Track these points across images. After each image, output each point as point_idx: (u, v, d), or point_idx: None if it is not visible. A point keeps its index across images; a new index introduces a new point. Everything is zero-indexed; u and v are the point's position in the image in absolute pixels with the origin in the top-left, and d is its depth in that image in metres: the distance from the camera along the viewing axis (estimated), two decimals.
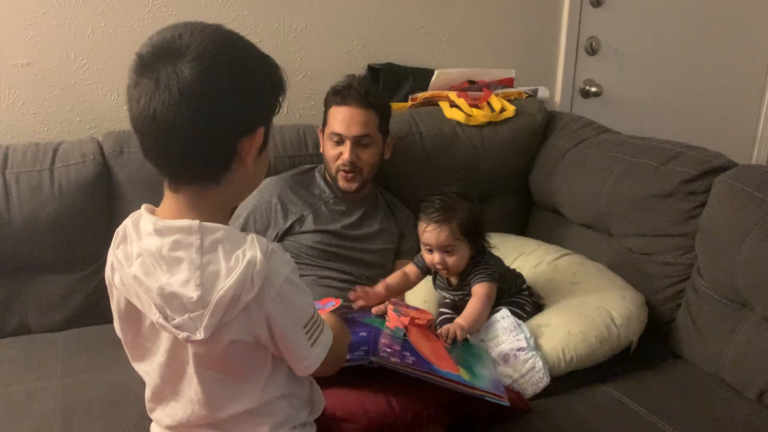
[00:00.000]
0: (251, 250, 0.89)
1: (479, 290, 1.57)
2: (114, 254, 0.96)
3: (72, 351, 1.65)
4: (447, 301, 1.69)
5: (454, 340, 1.44)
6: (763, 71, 2.94)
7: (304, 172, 1.91)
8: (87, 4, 1.94)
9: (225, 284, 0.88)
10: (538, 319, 1.62)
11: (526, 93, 2.30)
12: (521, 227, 2.24)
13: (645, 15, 2.66)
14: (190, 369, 0.97)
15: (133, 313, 0.97)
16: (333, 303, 1.45)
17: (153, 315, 0.91)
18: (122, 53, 1.96)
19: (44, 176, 1.74)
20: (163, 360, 0.98)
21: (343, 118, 1.76)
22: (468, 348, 1.47)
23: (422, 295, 1.78)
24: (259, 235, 0.92)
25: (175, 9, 2.00)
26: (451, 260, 1.57)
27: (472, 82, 2.29)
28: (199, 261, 0.89)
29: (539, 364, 1.46)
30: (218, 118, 0.88)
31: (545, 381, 1.46)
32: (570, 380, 1.51)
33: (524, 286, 1.71)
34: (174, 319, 0.90)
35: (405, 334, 1.38)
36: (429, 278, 1.73)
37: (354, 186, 1.81)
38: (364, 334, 1.35)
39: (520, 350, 1.47)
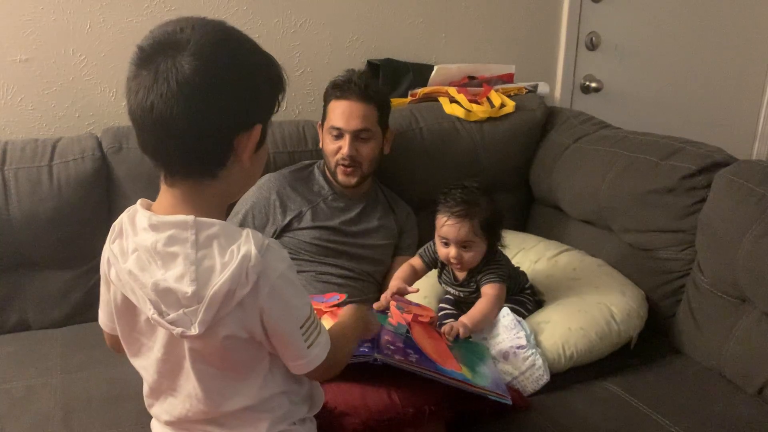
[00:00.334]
0: (246, 245, 0.89)
1: (489, 291, 1.56)
2: (110, 249, 0.96)
3: (71, 347, 1.65)
4: (449, 296, 1.69)
5: (457, 337, 1.44)
6: (764, 67, 2.93)
7: (303, 168, 1.90)
8: (85, 0, 1.93)
9: (220, 279, 0.88)
10: (538, 316, 1.62)
11: (526, 88, 2.30)
12: (521, 223, 2.24)
13: (645, 10, 2.65)
14: (187, 364, 0.96)
15: (128, 308, 0.97)
16: (337, 297, 1.45)
17: (148, 310, 0.91)
18: (121, 49, 1.95)
19: (43, 172, 1.74)
20: (159, 355, 0.98)
21: (342, 112, 1.75)
22: (469, 346, 1.47)
23: (422, 291, 1.78)
24: (255, 231, 0.92)
25: (174, 4, 1.99)
26: (467, 256, 1.56)
27: (471, 78, 2.29)
28: (194, 256, 0.88)
29: (539, 361, 1.46)
30: (215, 113, 0.87)
31: (545, 378, 1.46)
32: (570, 376, 1.51)
33: (527, 285, 1.70)
34: (169, 315, 0.90)
35: (408, 331, 1.38)
36: (430, 274, 1.73)
37: (353, 180, 1.80)
38: None
39: (520, 348, 1.46)
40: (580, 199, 1.98)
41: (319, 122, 1.87)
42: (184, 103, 0.85)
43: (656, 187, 1.73)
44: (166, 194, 0.95)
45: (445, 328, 1.46)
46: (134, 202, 0.98)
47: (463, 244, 1.55)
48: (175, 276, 0.88)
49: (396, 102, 2.12)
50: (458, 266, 1.60)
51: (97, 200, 1.79)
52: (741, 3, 2.80)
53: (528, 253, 1.91)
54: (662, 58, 2.73)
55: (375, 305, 1.55)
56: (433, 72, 2.24)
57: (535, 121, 2.19)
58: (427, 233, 1.99)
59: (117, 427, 1.35)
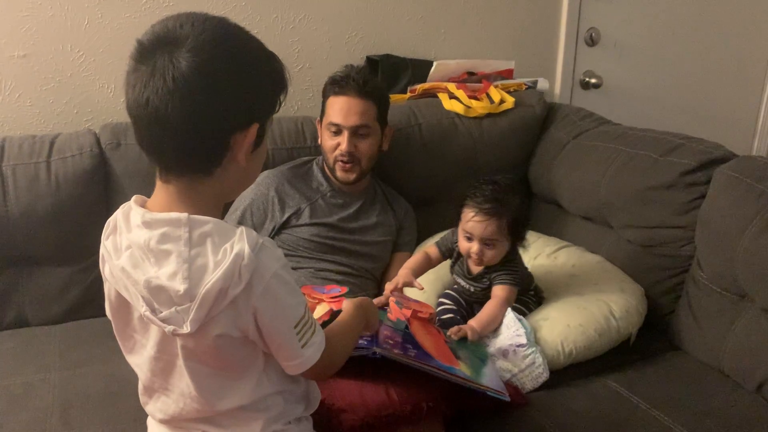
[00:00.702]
0: (239, 243, 0.88)
1: (500, 293, 1.55)
2: (104, 245, 0.96)
3: (70, 344, 1.65)
4: (449, 291, 1.69)
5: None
6: (764, 62, 2.92)
7: (302, 165, 1.90)
8: None
9: (212, 278, 0.87)
10: (537, 313, 1.62)
11: (525, 84, 2.29)
12: None
13: (645, 6, 2.65)
14: (180, 363, 0.96)
15: (122, 305, 0.97)
16: (339, 290, 1.45)
17: (140, 307, 0.91)
18: (119, 45, 1.95)
19: (41, 168, 1.74)
20: (152, 353, 0.98)
21: (340, 108, 1.75)
22: (467, 344, 1.47)
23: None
24: (250, 229, 0.91)
25: (172, 0, 1.99)
26: (489, 253, 1.54)
27: (471, 74, 2.28)
28: (187, 254, 0.88)
29: (539, 359, 1.45)
30: (211, 111, 0.87)
31: (544, 377, 1.45)
32: (569, 373, 1.51)
33: (532, 287, 1.70)
34: (161, 312, 0.90)
35: (407, 327, 1.38)
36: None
37: (352, 176, 1.80)
38: None
39: (520, 346, 1.46)
40: (580, 195, 1.97)
41: (318, 118, 1.87)
42: (180, 100, 0.84)
43: (656, 183, 1.72)
44: (161, 191, 0.94)
45: (452, 330, 1.46)
46: (136, 195, 0.98)
47: (486, 242, 1.53)
48: (168, 274, 0.88)
49: (395, 98, 2.12)
50: (477, 262, 1.58)
51: (95, 196, 1.79)
52: (740, 0, 2.79)
53: (527, 250, 1.90)
54: (662, 53, 2.73)
55: (374, 301, 1.55)
56: (432, 68, 2.23)
57: (535, 117, 2.18)
58: (426, 230, 2.00)
59: (115, 424, 1.35)
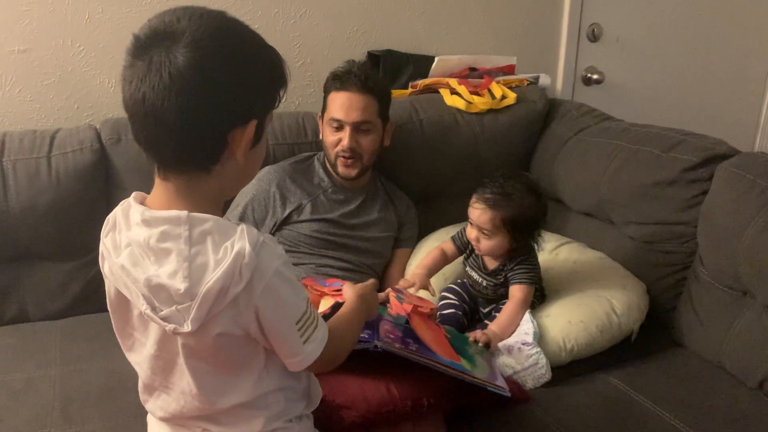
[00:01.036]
0: (240, 241, 0.87)
1: (517, 294, 1.56)
2: (103, 242, 0.95)
3: (70, 339, 1.65)
4: (453, 286, 1.70)
5: (461, 331, 1.43)
6: (767, 59, 2.91)
7: (303, 160, 1.89)
8: None
9: (213, 277, 0.86)
10: (539, 309, 1.61)
11: (527, 80, 2.29)
12: None
13: (647, 1, 2.64)
14: (181, 361, 0.95)
15: (122, 303, 0.96)
16: (340, 284, 1.44)
17: (141, 305, 0.90)
18: (120, 40, 1.94)
19: (42, 164, 1.73)
20: (153, 351, 0.97)
21: (342, 104, 1.74)
22: (467, 339, 1.47)
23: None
24: (251, 226, 0.90)
25: None
26: (484, 243, 1.57)
27: (472, 69, 2.27)
28: (187, 252, 0.87)
29: (543, 360, 1.45)
30: (208, 107, 0.85)
31: (547, 377, 1.45)
32: (570, 369, 1.51)
33: (540, 286, 1.70)
34: (162, 311, 0.89)
35: (407, 322, 1.38)
36: (430, 247, 1.76)
37: (354, 172, 1.79)
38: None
39: (525, 344, 1.46)
40: (581, 191, 1.97)
41: (319, 114, 1.86)
42: (176, 96, 0.83)
43: (658, 180, 1.72)
44: (159, 188, 0.93)
45: (476, 335, 1.46)
46: (135, 191, 0.97)
47: (482, 231, 1.56)
48: (168, 272, 0.87)
49: (396, 94, 2.11)
50: (477, 249, 1.61)
51: (96, 192, 1.78)
52: None
53: (541, 249, 1.89)
54: (664, 49, 2.72)
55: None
56: (434, 63, 2.23)
57: (536, 113, 2.18)
58: (427, 225, 2.00)
59: (115, 419, 1.35)
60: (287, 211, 1.78)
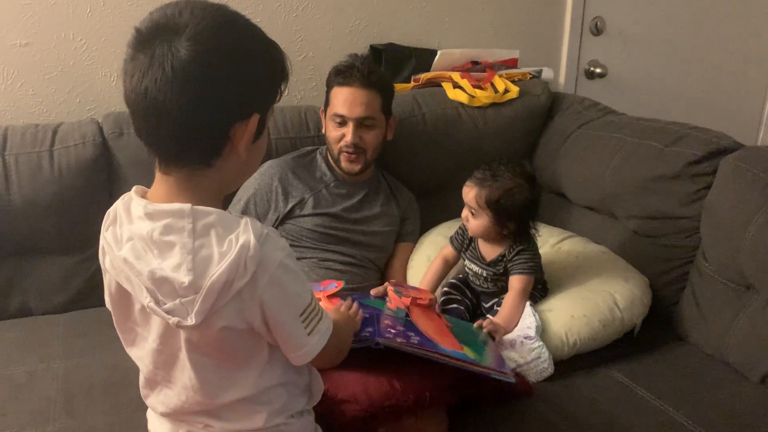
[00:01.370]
0: (244, 234, 0.87)
1: (516, 285, 1.56)
2: (104, 236, 0.95)
3: (73, 333, 1.65)
4: (454, 281, 1.70)
5: (460, 318, 1.43)
6: None
7: (306, 155, 1.89)
8: None
9: (217, 269, 0.86)
10: (541, 304, 1.61)
11: (530, 74, 2.28)
12: None
13: None
14: (183, 355, 0.95)
15: (123, 297, 0.96)
16: (335, 285, 1.44)
17: (144, 299, 0.89)
18: (122, 33, 1.94)
19: (44, 158, 1.73)
20: (155, 346, 0.97)
21: (345, 99, 1.74)
22: (469, 327, 1.47)
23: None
24: (254, 219, 0.90)
25: None
26: (471, 222, 1.60)
27: (475, 63, 2.27)
28: (191, 245, 0.87)
29: (545, 354, 1.45)
30: (211, 101, 0.85)
31: (549, 371, 1.45)
32: (573, 364, 1.51)
33: (542, 279, 1.70)
34: (165, 304, 0.89)
35: (407, 315, 1.38)
36: (432, 241, 1.79)
37: (357, 167, 1.79)
38: (367, 315, 1.34)
39: (527, 338, 1.46)
40: (584, 185, 1.97)
41: (322, 108, 1.86)
42: (179, 90, 0.83)
43: (661, 174, 1.71)
44: (161, 182, 0.93)
45: (484, 323, 1.46)
46: (136, 185, 0.97)
47: (470, 209, 1.59)
48: (172, 265, 0.87)
49: (399, 87, 2.10)
50: (468, 231, 1.64)
51: (98, 186, 1.78)
52: None
53: (540, 235, 1.89)
54: (667, 43, 2.71)
55: (372, 291, 1.55)
56: (437, 57, 2.22)
57: (539, 106, 2.17)
58: (429, 219, 2.00)
59: (118, 413, 1.35)
60: (289, 206, 1.77)
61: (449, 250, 1.72)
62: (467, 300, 1.66)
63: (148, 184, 0.96)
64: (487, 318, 1.53)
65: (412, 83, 2.21)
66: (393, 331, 1.29)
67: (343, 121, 1.75)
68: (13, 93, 1.93)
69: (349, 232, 1.81)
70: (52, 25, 1.91)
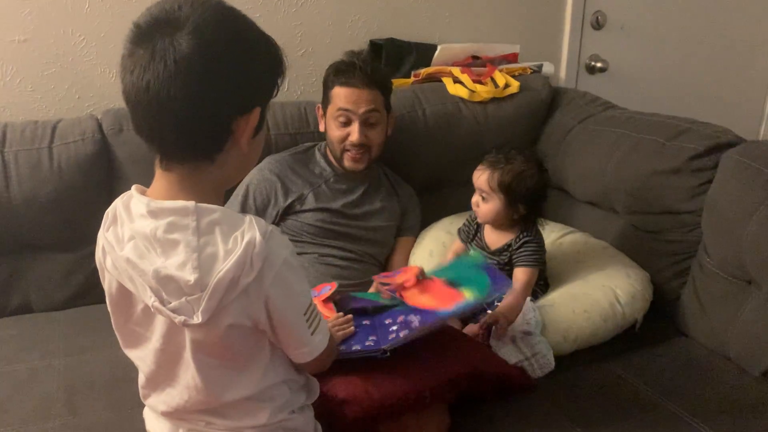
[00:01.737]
0: (250, 231, 0.87)
1: (521, 277, 1.58)
2: (104, 237, 0.94)
3: (74, 330, 1.65)
4: None
5: (460, 318, 1.43)
6: None
7: (304, 151, 1.88)
8: None
9: (224, 267, 0.86)
10: (542, 299, 1.61)
11: (530, 68, 2.27)
12: None
13: None
14: (187, 354, 0.95)
15: (124, 298, 0.96)
16: (329, 287, 1.44)
17: (148, 298, 0.89)
18: (121, 29, 1.88)
19: (43, 154, 1.73)
20: (158, 345, 0.96)
21: (349, 99, 1.71)
22: (462, 261, 1.49)
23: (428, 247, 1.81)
24: (258, 217, 0.90)
25: None
26: (482, 207, 1.62)
27: (475, 58, 2.26)
28: (195, 243, 0.86)
29: (545, 349, 1.45)
30: (214, 94, 0.85)
31: (550, 367, 1.45)
32: (574, 359, 1.51)
33: (544, 275, 1.70)
34: (170, 303, 0.88)
35: (402, 301, 1.38)
36: (433, 236, 1.78)
37: (362, 165, 1.79)
38: (367, 322, 1.35)
39: (527, 333, 1.46)
40: (585, 180, 1.96)
41: (318, 106, 1.84)
42: (182, 84, 0.83)
43: (662, 168, 1.71)
44: (161, 179, 0.92)
45: (486, 319, 1.47)
46: (136, 184, 0.96)
47: (481, 193, 1.60)
48: (177, 264, 0.86)
49: (399, 83, 2.10)
50: (478, 217, 1.65)
51: (98, 182, 1.78)
52: None
53: (545, 226, 1.89)
54: (668, 37, 2.70)
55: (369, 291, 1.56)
56: (437, 52, 2.21)
57: (540, 101, 2.16)
58: (430, 214, 1.99)
59: (120, 409, 1.35)
60: (289, 201, 1.77)
61: (458, 244, 1.75)
62: None
63: (148, 180, 0.96)
64: (488, 312, 1.53)
65: (412, 78, 2.20)
66: (395, 326, 1.29)
67: (347, 121, 1.74)
68: (12, 89, 1.92)
69: (349, 227, 1.81)
70: (50, 21, 1.90)
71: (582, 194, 2.01)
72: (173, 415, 1.03)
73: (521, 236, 1.60)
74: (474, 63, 2.23)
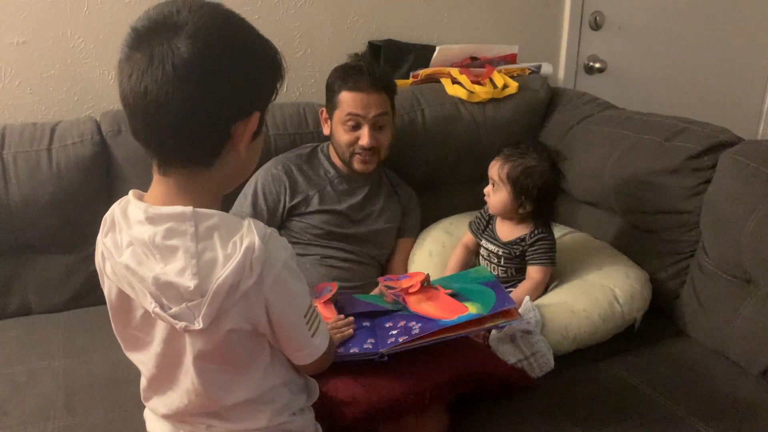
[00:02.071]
0: (249, 235, 0.87)
1: (536, 275, 1.62)
2: (103, 243, 0.94)
3: (73, 331, 1.65)
4: (482, 255, 1.73)
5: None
6: None
7: (309, 152, 1.87)
8: None
9: (223, 272, 0.86)
10: (542, 298, 1.61)
11: (529, 69, 2.27)
12: None
13: None
14: (187, 359, 0.94)
15: (124, 303, 0.95)
16: (329, 288, 1.44)
17: (149, 304, 0.89)
18: (119, 31, 1.88)
19: (42, 156, 1.73)
20: (159, 350, 0.96)
21: (358, 104, 1.70)
22: (468, 274, 1.47)
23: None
24: (256, 220, 0.90)
25: None
26: (492, 197, 1.67)
27: (474, 59, 2.26)
28: (194, 249, 0.86)
29: (545, 349, 1.45)
30: (213, 99, 0.84)
31: (549, 366, 1.45)
32: (573, 358, 1.51)
33: None
34: (171, 309, 0.88)
35: (405, 306, 1.38)
36: (436, 258, 1.76)
37: (371, 168, 1.78)
38: (368, 324, 1.34)
39: (526, 332, 1.46)
40: (584, 180, 1.96)
41: (323, 109, 1.83)
42: (181, 88, 0.82)
43: (661, 168, 1.71)
44: (159, 184, 0.92)
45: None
46: (134, 186, 0.96)
47: (493, 183, 1.67)
48: (176, 270, 0.86)
49: (398, 83, 2.10)
50: (488, 206, 1.70)
51: (97, 184, 1.78)
52: None
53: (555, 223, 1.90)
54: (667, 37, 2.70)
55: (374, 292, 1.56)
56: (435, 53, 2.21)
57: (539, 101, 2.17)
58: (430, 215, 1.99)
59: (119, 410, 1.35)
60: (294, 201, 1.76)
61: (468, 237, 1.78)
62: None
63: (147, 182, 0.95)
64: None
65: (411, 79, 2.20)
66: (395, 330, 1.29)
67: (357, 125, 1.73)
68: (11, 91, 1.92)
69: (353, 229, 1.80)
70: (49, 23, 1.90)
71: (581, 194, 2.01)
72: (174, 417, 1.03)
73: (536, 232, 1.63)
74: (472, 64, 2.23)
